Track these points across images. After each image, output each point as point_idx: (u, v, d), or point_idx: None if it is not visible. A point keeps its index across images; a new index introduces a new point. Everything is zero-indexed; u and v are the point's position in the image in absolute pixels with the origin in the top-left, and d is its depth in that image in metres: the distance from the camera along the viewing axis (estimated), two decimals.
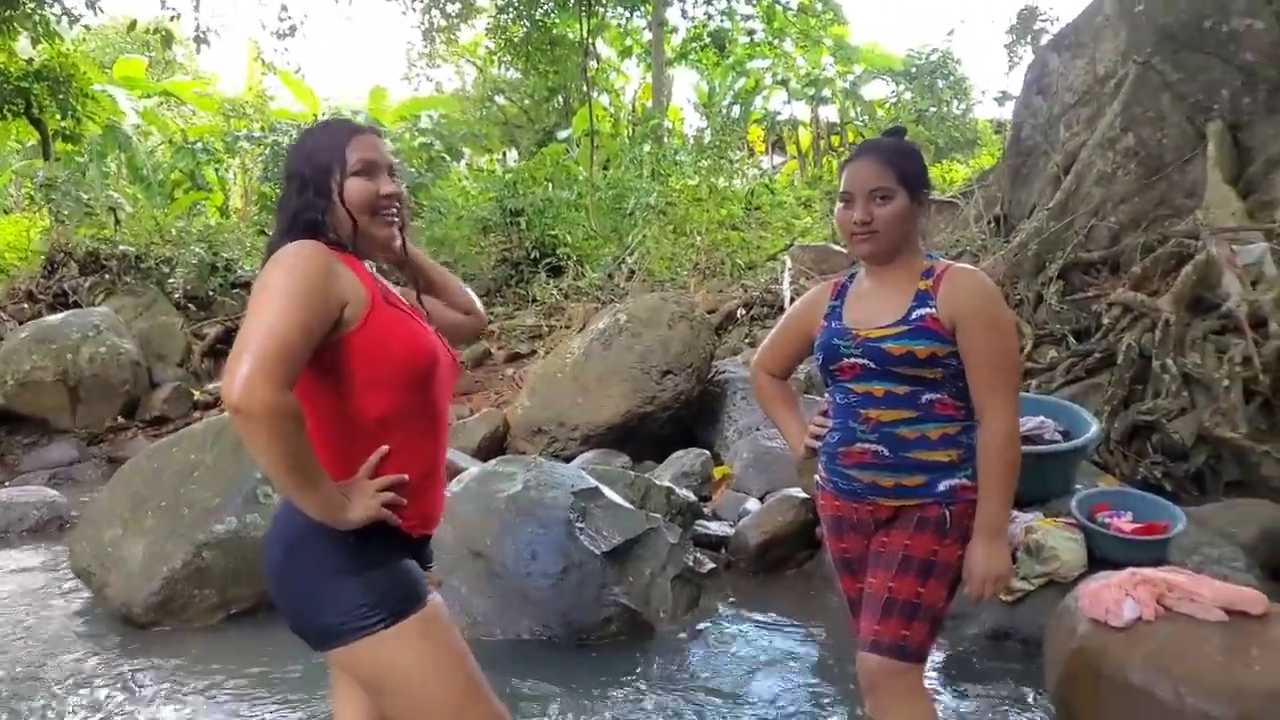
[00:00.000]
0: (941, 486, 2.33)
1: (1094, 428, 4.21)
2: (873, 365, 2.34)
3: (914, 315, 2.31)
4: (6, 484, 7.46)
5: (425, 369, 1.93)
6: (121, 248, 11.41)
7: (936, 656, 3.45)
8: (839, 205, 2.43)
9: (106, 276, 11.14)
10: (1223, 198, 6.14)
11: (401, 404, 1.90)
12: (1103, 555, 3.61)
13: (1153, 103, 6.85)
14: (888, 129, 2.59)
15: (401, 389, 1.90)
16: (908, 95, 21.23)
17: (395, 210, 1.99)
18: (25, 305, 11.05)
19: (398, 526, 1.91)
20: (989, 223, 7.88)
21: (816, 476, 2.61)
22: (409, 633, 1.85)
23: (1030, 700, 3.09)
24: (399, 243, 2.05)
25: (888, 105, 21.57)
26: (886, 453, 2.35)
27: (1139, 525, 3.70)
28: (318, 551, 1.87)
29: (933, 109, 20.40)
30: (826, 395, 2.56)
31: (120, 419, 9.11)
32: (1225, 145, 6.44)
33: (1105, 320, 5.97)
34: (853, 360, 2.37)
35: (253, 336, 1.71)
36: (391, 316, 1.91)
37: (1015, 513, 3.92)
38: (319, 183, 1.94)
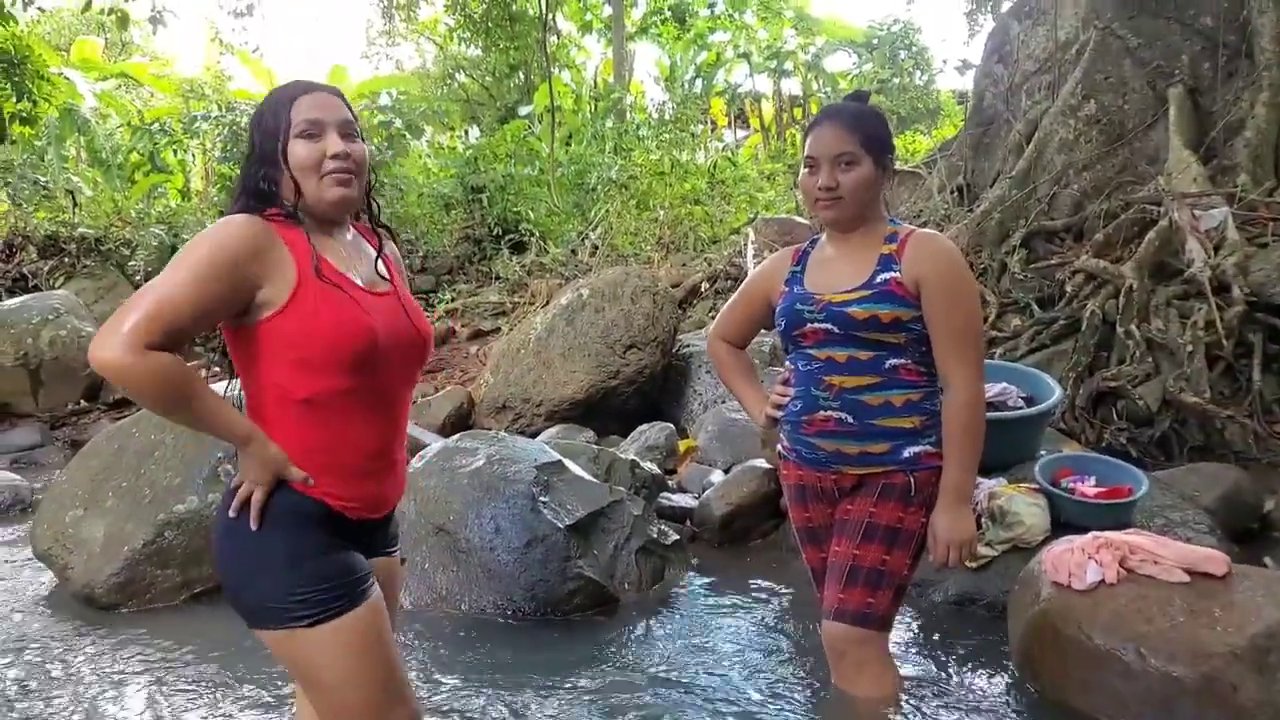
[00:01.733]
0: (906, 453, 2.31)
1: (1057, 393, 4.21)
2: (836, 330, 2.31)
3: (878, 279, 2.29)
4: None
5: (357, 352, 1.83)
6: (81, 230, 11.32)
7: (901, 623, 3.45)
8: (803, 171, 2.40)
9: (66, 260, 11.06)
10: (1184, 163, 6.18)
11: (333, 386, 1.82)
12: (1066, 520, 3.61)
13: (1114, 69, 6.87)
14: (851, 93, 2.55)
15: (332, 372, 1.81)
16: (869, 66, 21.21)
17: (346, 170, 1.87)
18: None
19: (338, 511, 1.86)
20: (952, 192, 7.88)
21: (779, 446, 2.59)
22: (332, 635, 1.80)
23: (995, 664, 3.09)
24: (355, 203, 1.95)
25: (850, 77, 21.53)
26: (850, 420, 2.33)
27: (1102, 490, 3.71)
28: (253, 533, 1.82)
29: (895, 80, 20.40)
30: (787, 364, 2.53)
31: (83, 402, 9.04)
32: (1186, 110, 6.48)
33: (1069, 288, 6.00)
34: (815, 325, 2.34)
35: (140, 296, 1.69)
36: (322, 298, 1.81)
37: (979, 479, 3.92)
38: (266, 149, 1.86)
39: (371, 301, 1.90)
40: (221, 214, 1.90)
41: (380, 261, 2.02)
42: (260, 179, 1.87)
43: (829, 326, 2.32)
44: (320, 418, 1.83)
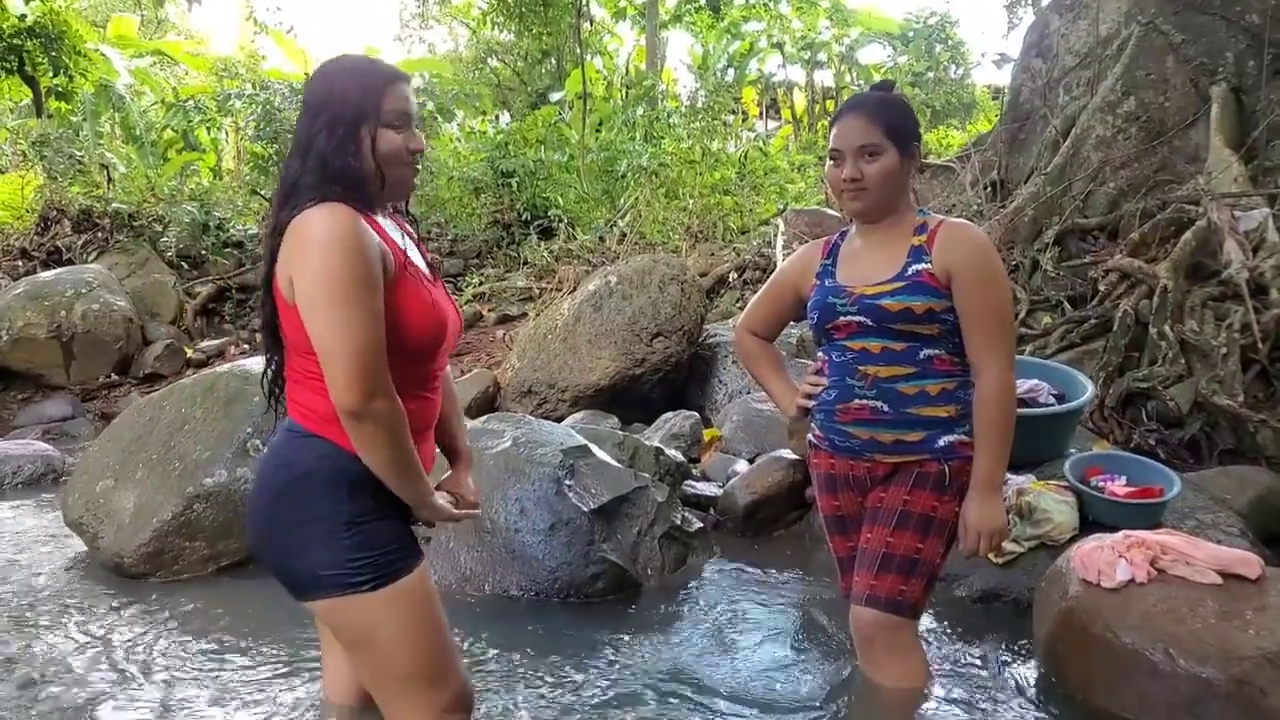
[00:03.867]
0: (941, 442, 2.31)
1: (1089, 390, 4.17)
2: (870, 322, 2.31)
3: (910, 271, 2.28)
4: (1, 438, 7.42)
5: (435, 340, 1.90)
6: (114, 206, 11.42)
7: (925, 616, 3.43)
8: (829, 163, 2.41)
9: (99, 234, 11.18)
10: (1225, 162, 6.08)
11: (405, 370, 1.85)
12: (1096, 519, 3.58)
13: (1155, 65, 6.76)
14: (876, 83, 2.55)
15: (407, 357, 1.85)
16: (905, 59, 21.04)
17: (418, 166, 1.95)
18: (19, 262, 11.10)
19: None
20: (985, 187, 7.80)
21: (810, 436, 2.58)
22: (389, 598, 1.83)
23: (1020, 661, 3.07)
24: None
25: (885, 69, 21.36)
26: (886, 409, 2.33)
27: (1133, 489, 3.67)
28: (307, 500, 1.84)
29: (930, 73, 20.23)
30: (820, 355, 2.54)
31: (114, 375, 9.13)
32: (1229, 109, 6.37)
33: (1102, 286, 5.91)
34: (849, 318, 2.34)
35: (342, 344, 1.70)
36: (412, 285, 1.86)
37: (1008, 475, 3.89)
38: (352, 127, 1.82)
39: (436, 290, 1.96)
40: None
41: (417, 247, 2.04)
42: (341, 155, 1.82)
43: (862, 319, 2.32)
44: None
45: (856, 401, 2.36)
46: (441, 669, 1.91)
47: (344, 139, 1.82)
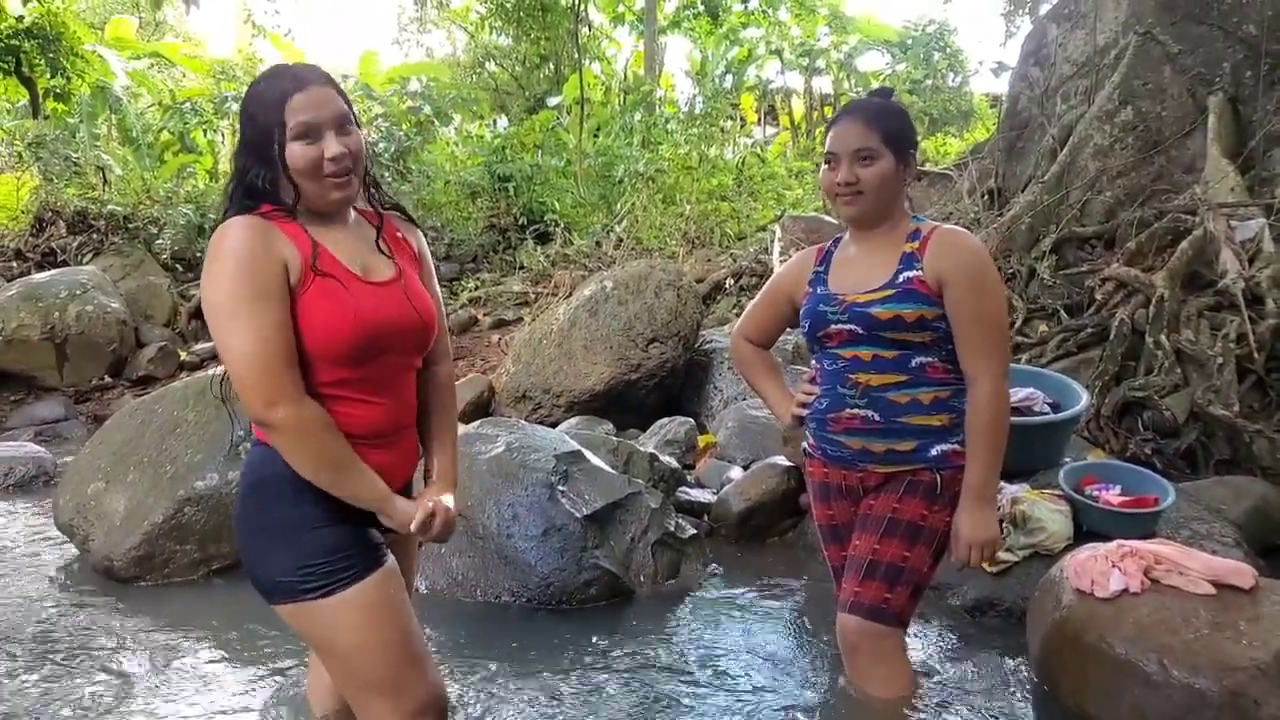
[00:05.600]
0: (934, 451, 2.29)
1: (1084, 399, 4.16)
2: (860, 330, 2.29)
3: (900, 278, 2.27)
4: None
5: (353, 345, 1.84)
6: (110, 207, 11.42)
7: (917, 627, 3.42)
8: (824, 167, 2.39)
9: (95, 236, 11.17)
10: (1222, 172, 6.08)
11: (332, 376, 1.84)
12: (1090, 528, 3.57)
13: (1153, 75, 6.77)
14: (874, 89, 2.54)
15: (330, 363, 1.83)
16: (903, 67, 21.07)
17: (344, 171, 1.85)
18: (14, 263, 11.06)
19: None
20: (982, 196, 7.80)
21: (804, 444, 2.57)
22: (342, 605, 1.82)
23: (1012, 670, 3.06)
24: (354, 198, 1.94)
25: (883, 77, 21.38)
26: (877, 418, 2.31)
27: (1128, 499, 3.66)
28: (262, 507, 1.84)
29: (928, 81, 20.25)
30: (813, 363, 2.52)
31: (107, 377, 9.11)
32: (1226, 119, 6.37)
33: (1098, 295, 5.91)
34: (840, 326, 2.33)
35: (241, 359, 1.73)
36: (320, 292, 1.82)
37: (1002, 484, 3.88)
38: (261, 149, 1.83)
39: (368, 291, 1.89)
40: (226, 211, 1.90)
41: (381, 242, 1.99)
42: (254, 172, 1.85)
43: (853, 327, 2.30)
44: (326, 402, 1.84)
45: (848, 411, 2.34)
46: (405, 676, 1.88)
47: (256, 156, 1.85)
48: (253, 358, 1.71)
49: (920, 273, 2.25)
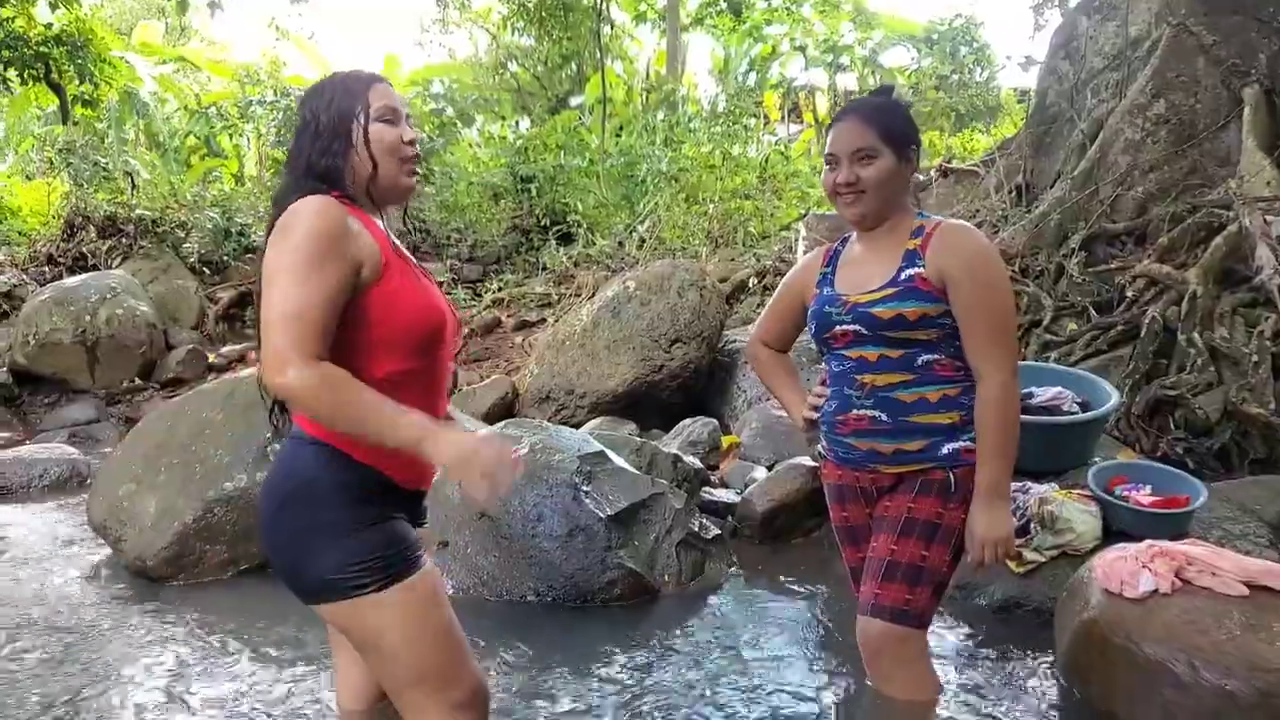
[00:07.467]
0: (945, 450, 2.26)
1: (1113, 398, 4.11)
2: (864, 331, 2.27)
3: (902, 276, 2.24)
4: (27, 441, 7.52)
5: (433, 333, 1.90)
6: (138, 212, 11.52)
7: (944, 627, 3.39)
8: (825, 168, 2.38)
9: (124, 240, 11.29)
10: (1257, 166, 5.97)
11: (407, 366, 1.87)
12: (1120, 529, 3.53)
13: (1186, 67, 6.65)
14: (875, 89, 2.52)
15: (408, 352, 1.87)
16: (928, 62, 20.91)
17: (417, 156, 1.97)
18: (46, 268, 11.21)
19: (392, 480, 1.88)
20: (1010, 192, 7.72)
21: (819, 446, 2.55)
22: (395, 599, 1.82)
23: (1040, 671, 3.03)
24: (414, 190, 2.02)
25: (909, 73, 21.23)
26: (885, 418, 2.29)
27: (1158, 499, 3.61)
28: (313, 507, 1.83)
29: (955, 76, 20.07)
30: (823, 365, 2.51)
31: (137, 380, 9.23)
32: (1262, 111, 6.26)
33: (1129, 293, 5.82)
34: (844, 327, 2.31)
35: (277, 310, 1.69)
36: (403, 277, 1.87)
37: (1030, 484, 3.84)
38: (338, 128, 1.89)
39: (431, 286, 1.97)
40: (273, 199, 1.91)
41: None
42: (326, 155, 1.89)
43: (857, 328, 2.28)
44: (395, 395, 1.79)
45: (855, 412, 2.32)
46: (452, 666, 1.90)
47: (330, 140, 1.89)
48: (309, 307, 1.68)
49: (922, 269, 2.22)
